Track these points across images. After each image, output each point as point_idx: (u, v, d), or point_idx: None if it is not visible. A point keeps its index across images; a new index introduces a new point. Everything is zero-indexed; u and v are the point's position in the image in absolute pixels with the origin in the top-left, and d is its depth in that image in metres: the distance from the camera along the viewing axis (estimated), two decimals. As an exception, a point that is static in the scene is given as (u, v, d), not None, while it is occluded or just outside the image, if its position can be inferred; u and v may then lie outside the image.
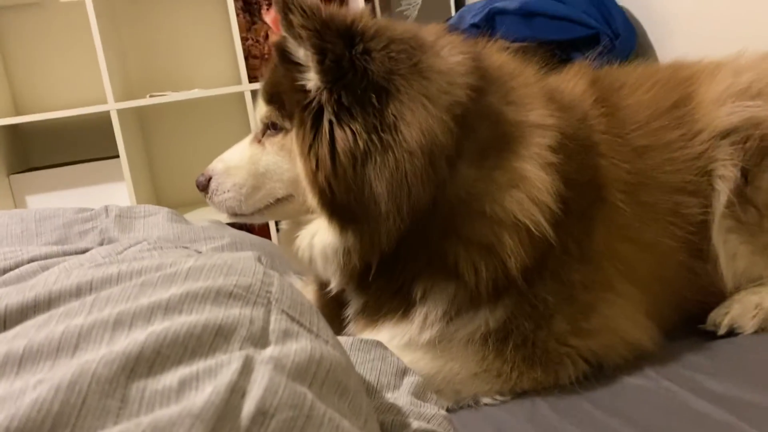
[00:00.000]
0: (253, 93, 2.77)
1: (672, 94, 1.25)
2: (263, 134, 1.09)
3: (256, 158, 1.10)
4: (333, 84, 0.95)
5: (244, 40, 2.82)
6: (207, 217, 2.12)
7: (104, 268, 0.66)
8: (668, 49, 1.92)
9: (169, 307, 0.55)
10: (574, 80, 1.23)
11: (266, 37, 2.87)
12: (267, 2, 2.85)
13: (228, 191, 1.12)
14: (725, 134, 1.18)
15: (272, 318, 0.59)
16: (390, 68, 0.94)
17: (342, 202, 0.96)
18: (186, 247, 1.20)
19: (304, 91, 0.99)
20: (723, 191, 1.17)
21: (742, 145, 1.17)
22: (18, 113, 3.01)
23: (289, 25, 0.96)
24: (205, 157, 3.42)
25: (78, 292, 0.63)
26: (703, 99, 1.23)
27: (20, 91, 3.08)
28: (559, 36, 1.86)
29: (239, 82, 2.81)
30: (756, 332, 1.14)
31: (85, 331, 0.53)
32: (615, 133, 1.16)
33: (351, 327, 1.10)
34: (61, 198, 2.83)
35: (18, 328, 0.57)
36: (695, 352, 1.10)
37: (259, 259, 0.78)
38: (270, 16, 2.82)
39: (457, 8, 2.96)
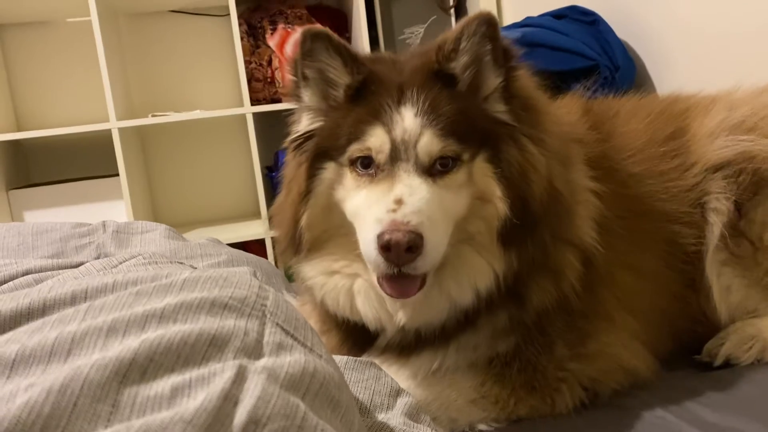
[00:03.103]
0: (255, 116, 2.79)
1: (667, 126, 1.27)
2: (429, 172, 0.94)
3: (439, 198, 0.93)
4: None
5: (247, 63, 2.84)
6: (204, 237, 2.12)
7: (99, 277, 0.67)
8: (666, 82, 1.94)
9: (163, 316, 0.56)
10: (566, 108, 1.25)
11: (269, 60, 2.90)
12: (271, 27, 2.89)
13: (439, 247, 0.92)
14: (718, 168, 1.20)
15: (266, 330, 0.59)
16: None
17: (527, 213, 0.96)
18: (182, 263, 1.20)
19: (496, 120, 0.99)
20: (716, 224, 1.18)
21: (735, 178, 1.18)
22: (20, 129, 3.02)
23: (509, 59, 0.99)
24: (204, 178, 3.42)
25: (72, 300, 0.63)
26: (697, 132, 1.25)
27: (23, 107, 3.10)
28: (560, 67, 1.88)
29: (241, 105, 2.83)
30: (752, 363, 1.14)
31: (78, 337, 0.53)
32: (610, 159, 1.18)
33: (372, 355, 1.07)
34: (59, 215, 2.82)
35: (10, 334, 0.57)
36: (690, 382, 1.10)
37: (255, 274, 0.79)
38: (274, 41, 2.86)
39: (458, 38, 3.00)
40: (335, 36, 1.00)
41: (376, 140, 0.95)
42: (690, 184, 1.19)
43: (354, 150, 0.97)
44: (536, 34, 2.00)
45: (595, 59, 1.93)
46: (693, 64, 1.83)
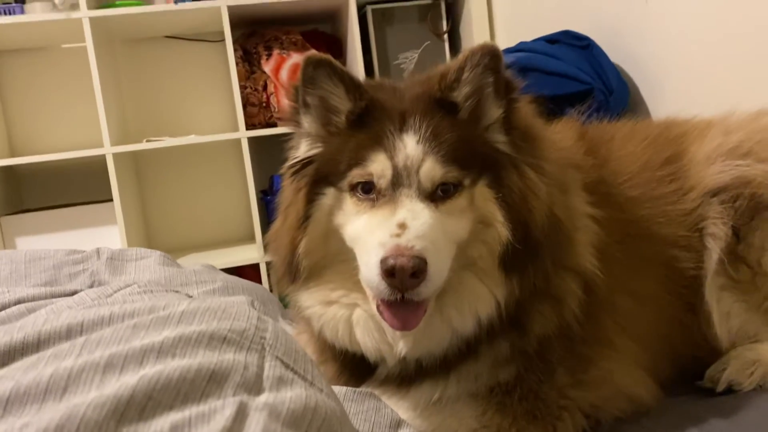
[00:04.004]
0: (250, 140, 2.79)
1: (664, 150, 1.27)
2: (431, 197, 0.94)
3: (441, 223, 0.93)
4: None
5: (242, 88, 2.85)
6: (199, 262, 2.10)
7: (95, 309, 0.65)
8: (660, 106, 1.96)
9: (162, 351, 0.54)
10: (561, 133, 1.25)
11: (265, 85, 2.91)
12: (267, 52, 2.90)
13: (442, 272, 0.91)
14: (715, 192, 1.20)
15: (266, 364, 0.58)
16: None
17: (528, 239, 0.95)
18: (177, 291, 1.18)
19: (497, 149, 0.99)
20: (714, 249, 1.17)
21: (732, 203, 1.18)
22: (13, 155, 3.01)
23: (511, 91, 1.00)
24: (199, 203, 3.41)
25: (68, 333, 0.62)
26: (694, 156, 1.25)
27: (17, 133, 3.09)
28: (554, 91, 1.89)
29: (236, 129, 2.84)
30: (754, 389, 1.13)
31: (74, 373, 0.52)
32: (607, 183, 1.18)
33: (371, 386, 1.04)
34: (52, 241, 2.80)
35: (4, 370, 0.56)
36: (693, 408, 1.08)
37: (252, 304, 0.77)
38: (270, 66, 2.87)
39: (452, 63, 3.02)
40: (337, 63, 1.00)
41: (378, 166, 0.95)
42: (688, 209, 1.19)
43: (355, 175, 0.96)
44: (530, 58, 2.01)
45: (589, 83, 1.94)
46: (686, 87, 1.84)
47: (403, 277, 0.85)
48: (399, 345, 0.98)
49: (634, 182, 1.21)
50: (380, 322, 0.96)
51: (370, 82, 1.09)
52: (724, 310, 1.18)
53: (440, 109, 0.98)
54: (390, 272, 0.85)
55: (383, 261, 0.86)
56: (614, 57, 2.04)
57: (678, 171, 1.24)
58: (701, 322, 1.19)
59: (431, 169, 0.93)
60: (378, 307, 0.93)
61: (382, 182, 0.94)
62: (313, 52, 1.01)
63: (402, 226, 0.88)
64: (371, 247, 0.90)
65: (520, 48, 2.16)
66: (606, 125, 1.37)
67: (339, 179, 0.98)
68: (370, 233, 0.92)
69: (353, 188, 0.97)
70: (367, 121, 0.99)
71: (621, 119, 1.41)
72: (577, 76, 1.94)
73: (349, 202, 0.97)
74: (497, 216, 0.96)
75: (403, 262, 0.84)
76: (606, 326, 1.08)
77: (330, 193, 1.00)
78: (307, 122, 1.04)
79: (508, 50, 2.17)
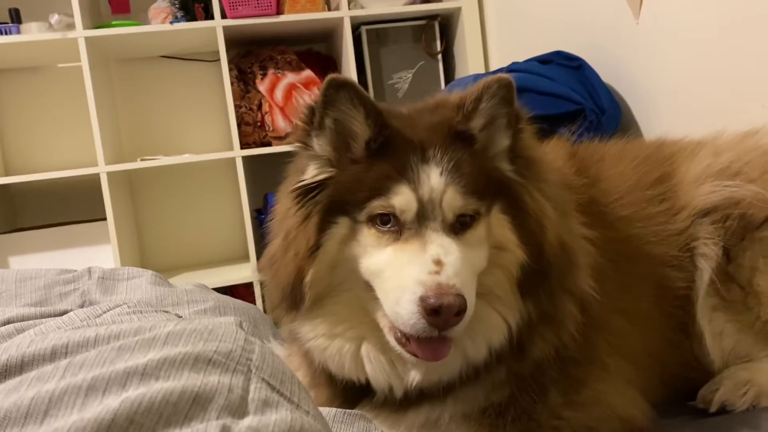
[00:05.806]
0: (245, 159, 2.79)
1: (654, 170, 1.28)
2: (453, 230, 0.94)
3: (465, 255, 0.92)
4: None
5: (237, 107, 2.86)
6: (192, 281, 2.10)
7: (81, 331, 0.65)
8: (652, 126, 1.97)
9: (145, 373, 0.54)
10: (552, 153, 1.26)
11: (259, 105, 2.92)
12: (261, 72, 2.92)
13: (472, 307, 0.90)
14: (705, 213, 1.20)
15: (252, 386, 0.58)
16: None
17: (542, 260, 0.96)
18: (167, 311, 1.18)
19: (505, 175, 1.00)
20: (706, 269, 1.18)
21: (722, 223, 1.19)
22: (7, 173, 3.01)
23: (519, 122, 1.01)
24: (193, 222, 3.41)
25: (52, 355, 0.61)
26: (684, 177, 1.26)
27: (11, 151, 3.09)
28: (546, 111, 1.90)
29: (231, 149, 2.84)
30: (747, 409, 1.12)
31: (56, 396, 0.51)
32: (598, 203, 1.18)
33: (365, 410, 1.02)
34: (45, 260, 2.79)
35: (-14, 393, 0.55)
36: (687, 429, 1.08)
37: (241, 325, 0.77)
38: (264, 86, 2.88)
39: (446, 82, 3.05)
40: (360, 87, 0.97)
41: (403, 198, 0.93)
42: (679, 229, 1.20)
43: (376, 206, 0.94)
44: (522, 79, 2.03)
45: (581, 103, 1.95)
46: (678, 107, 1.86)
47: (449, 316, 0.85)
48: (410, 375, 0.98)
49: (625, 202, 1.22)
50: (400, 354, 0.94)
51: (388, 108, 1.06)
52: (716, 331, 1.18)
53: (458, 140, 0.98)
54: (435, 311, 0.84)
55: (424, 299, 0.85)
56: (606, 77, 2.06)
57: (668, 191, 1.25)
58: (693, 342, 1.19)
59: (452, 200, 0.93)
60: (399, 339, 0.92)
61: (407, 215, 0.93)
62: (336, 74, 0.99)
63: (438, 263, 0.88)
64: (405, 283, 0.88)
65: (513, 68, 2.17)
66: (596, 145, 1.37)
67: (356, 209, 0.95)
68: (399, 268, 0.90)
69: (371, 219, 0.95)
70: (387, 150, 0.96)
71: (612, 139, 1.42)
72: (569, 96, 1.95)
73: (367, 234, 0.95)
74: (512, 239, 0.97)
75: (450, 301, 0.84)
76: (599, 347, 1.07)
77: (343, 222, 0.97)
78: (319, 145, 1.00)
79: (501, 70, 2.19)
